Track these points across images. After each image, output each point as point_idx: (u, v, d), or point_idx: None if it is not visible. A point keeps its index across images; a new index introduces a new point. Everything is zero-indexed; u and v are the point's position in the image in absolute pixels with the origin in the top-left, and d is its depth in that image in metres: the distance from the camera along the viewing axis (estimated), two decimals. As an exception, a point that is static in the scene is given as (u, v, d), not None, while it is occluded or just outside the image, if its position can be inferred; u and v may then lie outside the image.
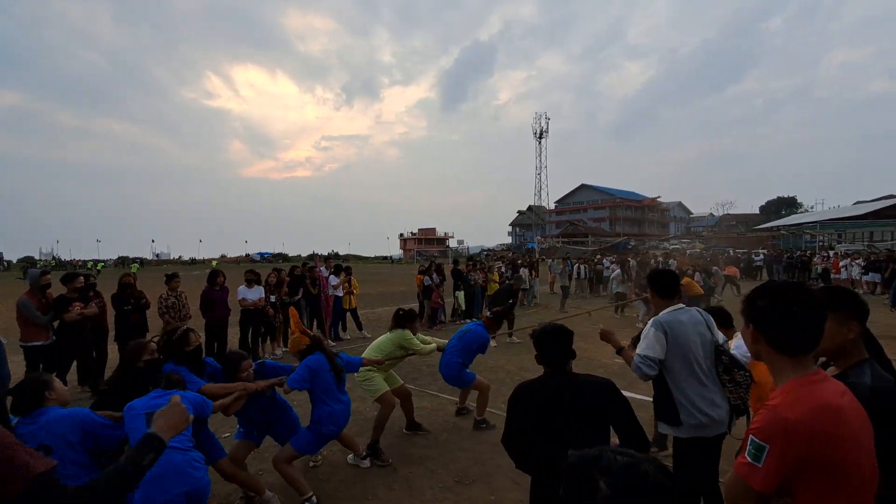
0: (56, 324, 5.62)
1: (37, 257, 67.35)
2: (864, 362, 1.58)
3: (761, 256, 25.57)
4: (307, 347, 3.53)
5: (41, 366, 5.27)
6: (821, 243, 29.42)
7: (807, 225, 33.16)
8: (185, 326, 3.13)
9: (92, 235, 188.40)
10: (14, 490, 1.10)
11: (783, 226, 38.37)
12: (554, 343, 2.14)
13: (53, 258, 60.58)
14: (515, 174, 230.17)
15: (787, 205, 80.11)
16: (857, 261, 17.20)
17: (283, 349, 8.23)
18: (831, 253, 23.08)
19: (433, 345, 4.66)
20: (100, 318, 6.17)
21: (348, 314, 9.77)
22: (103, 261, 62.89)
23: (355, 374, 4.15)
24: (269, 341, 7.98)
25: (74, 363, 5.94)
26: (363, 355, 4.27)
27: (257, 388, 3.10)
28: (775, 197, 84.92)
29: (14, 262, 63.57)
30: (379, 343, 4.43)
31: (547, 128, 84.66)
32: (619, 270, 13.25)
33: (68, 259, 63.50)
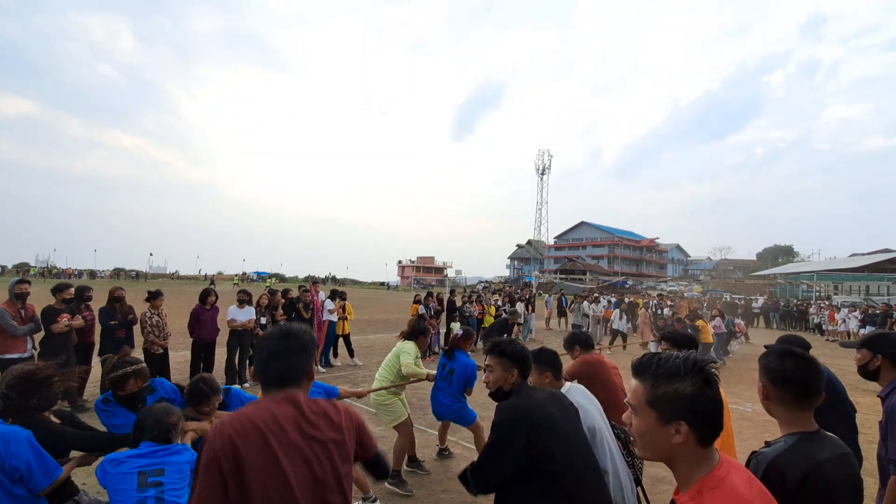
0: (41, 335, 5.51)
1: (32, 264, 66.93)
2: (794, 434, 1.45)
3: (760, 303, 25.53)
4: None
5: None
6: (818, 293, 29.45)
7: (804, 274, 33.27)
8: (130, 368, 2.61)
9: (89, 245, 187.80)
10: None
11: (780, 273, 38.49)
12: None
13: (47, 266, 60.14)
14: (516, 207, 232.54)
15: (784, 253, 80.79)
16: (853, 313, 17.17)
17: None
18: (828, 303, 23.07)
19: (423, 370, 4.27)
20: (87, 332, 6.04)
21: (340, 340, 9.62)
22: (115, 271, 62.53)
23: (371, 396, 3.98)
24: (257, 364, 7.81)
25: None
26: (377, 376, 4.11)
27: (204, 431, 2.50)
28: (772, 244, 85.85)
29: (9, 267, 63.09)
30: (387, 362, 4.17)
31: (549, 164, 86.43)
32: (617, 310, 13.39)
33: (63, 268, 62.98)
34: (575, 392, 2.53)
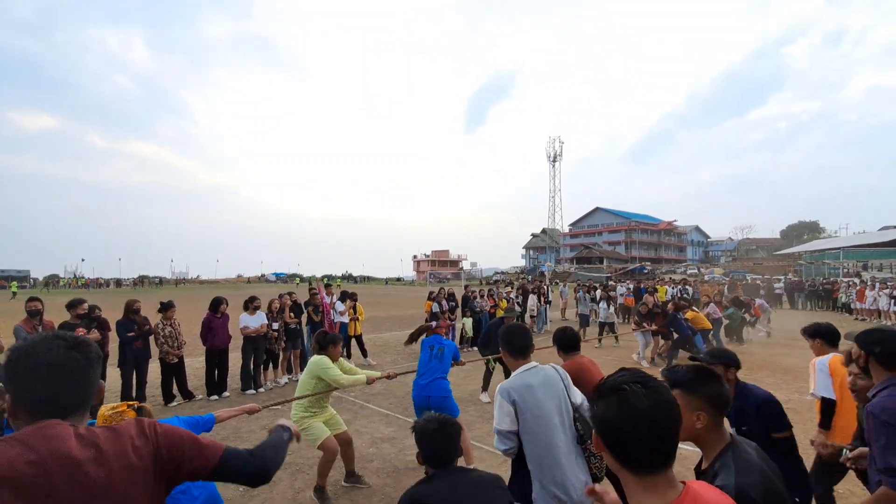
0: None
1: (61, 275, 69.33)
2: (726, 450, 1.43)
3: (781, 284, 24.64)
4: None
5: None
6: (846, 270, 28.37)
7: (829, 252, 32.12)
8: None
9: (115, 254, 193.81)
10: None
11: (804, 251, 37.25)
12: (442, 439, 1.86)
13: (74, 276, 62.17)
14: (531, 196, 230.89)
15: (810, 229, 78.22)
16: (885, 290, 16.47)
17: (288, 377, 8.14)
18: (857, 280, 22.22)
19: (361, 375, 4.03)
20: (100, 344, 6.18)
21: (353, 341, 9.67)
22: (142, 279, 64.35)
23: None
24: (270, 369, 7.90)
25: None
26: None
27: None
28: (797, 221, 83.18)
29: (40, 279, 65.51)
30: (301, 381, 3.95)
31: (561, 151, 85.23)
32: (611, 307, 12.06)
33: (92, 277, 65.08)
34: (534, 374, 2.37)
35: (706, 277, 29.97)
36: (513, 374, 2.43)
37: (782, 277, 28.85)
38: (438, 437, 1.87)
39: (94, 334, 5.93)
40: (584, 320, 13.32)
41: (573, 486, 2.15)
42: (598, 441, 1.08)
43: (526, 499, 2.22)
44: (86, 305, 6.12)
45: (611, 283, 22.38)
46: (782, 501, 1.37)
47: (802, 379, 7.74)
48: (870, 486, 2.11)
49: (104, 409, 2.23)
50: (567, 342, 3.23)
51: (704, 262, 72.50)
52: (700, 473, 1.51)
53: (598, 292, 14.62)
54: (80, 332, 5.76)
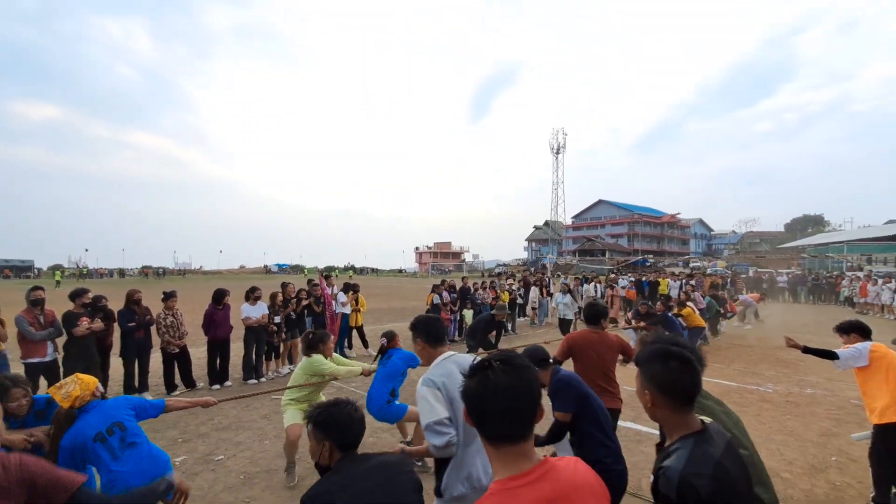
0: (64, 339, 5.72)
1: (66, 265, 69.69)
2: (688, 437, 1.40)
3: (785, 277, 24.64)
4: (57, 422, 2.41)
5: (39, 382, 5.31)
6: (849, 264, 28.25)
7: (833, 246, 31.96)
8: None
9: (118, 244, 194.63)
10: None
11: (808, 245, 37.05)
12: (346, 421, 1.70)
13: (78, 267, 62.44)
14: (535, 188, 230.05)
15: (814, 223, 77.68)
16: (888, 284, 16.38)
17: (290, 367, 8.21)
18: (860, 274, 22.12)
19: (356, 367, 4.19)
20: (104, 334, 6.23)
21: (354, 332, 9.73)
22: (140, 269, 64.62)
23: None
24: (273, 359, 7.96)
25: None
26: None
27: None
28: (801, 215, 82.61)
29: (44, 269, 65.86)
30: (294, 375, 4.11)
31: (564, 143, 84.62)
32: (567, 295, 10.98)
33: (95, 268, 65.38)
34: (453, 360, 2.28)
35: (709, 271, 29.89)
36: (432, 364, 2.30)
37: (786, 271, 28.78)
38: (342, 419, 1.71)
39: (98, 324, 5.97)
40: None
41: (487, 473, 2.07)
42: (466, 415, 1.18)
43: (437, 482, 2.15)
44: (90, 295, 6.14)
45: (612, 275, 22.38)
46: (738, 502, 1.31)
47: (803, 372, 7.75)
48: None
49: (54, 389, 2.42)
50: (590, 314, 3.78)
51: (707, 255, 72.23)
52: (658, 450, 1.50)
53: (569, 283, 13.38)
54: (84, 321, 5.81)
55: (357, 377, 4.50)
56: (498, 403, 1.11)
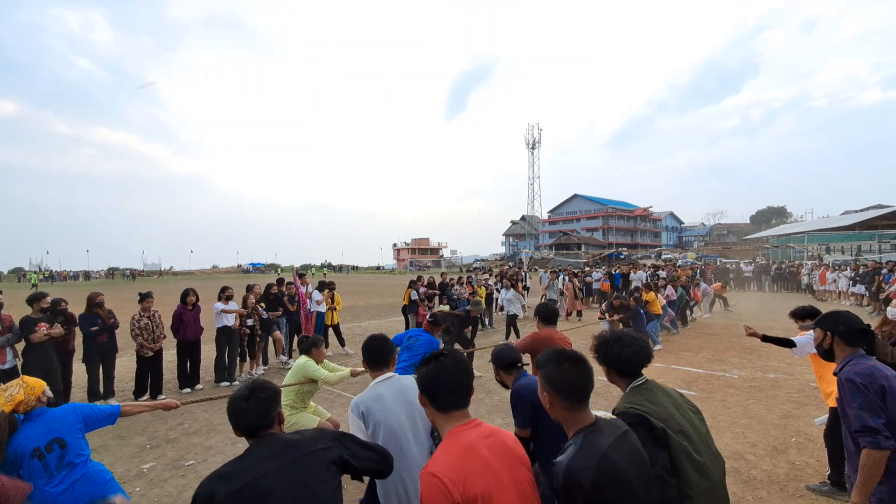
0: (23, 345, 5.45)
1: (27, 268, 66.36)
2: (579, 433, 1.47)
3: (751, 267, 25.73)
4: None
5: None
6: (809, 254, 29.64)
7: (794, 236, 33.40)
8: None
9: (82, 246, 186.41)
10: None
11: (771, 236, 38.59)
12: (253, 408, 1.62)
13: (40, 270, 59.59)
14: (512, 183, 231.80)
15: (777, 214, 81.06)
16: (844, 272, 17.28)
17: (264, 368, 8.06)
18: (819, 263, 23.21)
19: (345, 371, 4.19)
20: (65, 339, 5.96)
21: (330, 330, 9.62)
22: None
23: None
24: (248, 360, 7.79)
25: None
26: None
27: None
28: (766, 206, 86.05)
29: (5, 273, 62.56)
30: (286, 380, 4.01)
31: (540, 138, 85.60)
32: (511, 290, 11.05)
33: (58, 271, 62.43)
34: (388, 384, 2.32)
35: (679, 262, 30.87)
36: (368, 385, 2.35)
37: (750, 261, 29.99)
38: (250, 406, 1.63)
39: (58, 329, 5.70)
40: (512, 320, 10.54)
41: (415, 495, 2.07)
42: (422, 397, 1.61)
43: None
44: (48, 299, 5.87)
45: (587, 268, 22.80)
46: (624, 490, 1.37)
47: (766, 358, 8.09)
48: (848, 456, 2.22)
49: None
50: (544, 314, 3.87)
51: (678, 247, 74.43)
52: (552, 465, 1.54)
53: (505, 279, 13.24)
54: (43, 327, 5.55)
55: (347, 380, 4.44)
56: (448, 381, 1.58)
